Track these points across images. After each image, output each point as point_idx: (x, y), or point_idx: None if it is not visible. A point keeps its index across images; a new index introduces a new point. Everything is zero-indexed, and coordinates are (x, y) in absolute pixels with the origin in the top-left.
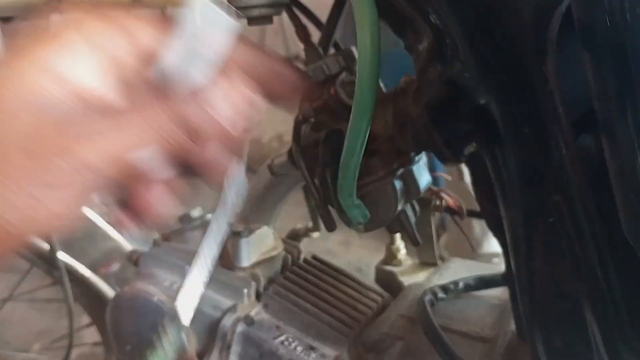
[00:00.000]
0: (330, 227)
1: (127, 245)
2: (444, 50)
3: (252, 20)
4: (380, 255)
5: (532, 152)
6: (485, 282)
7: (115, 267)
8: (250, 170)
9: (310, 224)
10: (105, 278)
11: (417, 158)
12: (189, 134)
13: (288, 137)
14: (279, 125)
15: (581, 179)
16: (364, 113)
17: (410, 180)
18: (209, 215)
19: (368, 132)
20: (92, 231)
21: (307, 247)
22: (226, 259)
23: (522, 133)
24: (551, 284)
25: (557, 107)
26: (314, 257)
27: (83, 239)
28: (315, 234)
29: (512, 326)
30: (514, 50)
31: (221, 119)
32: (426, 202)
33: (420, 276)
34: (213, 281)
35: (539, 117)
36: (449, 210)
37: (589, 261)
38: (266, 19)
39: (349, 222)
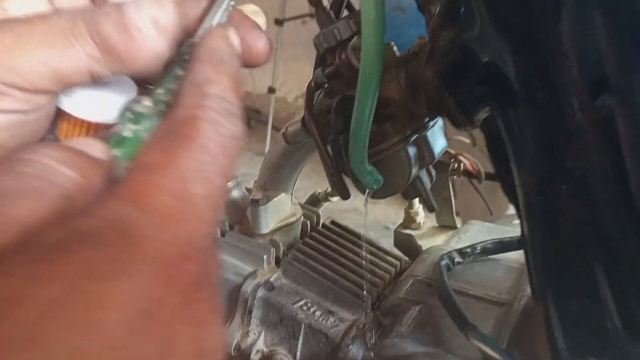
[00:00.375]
0: (345, 195)
1: None
2: (458, 13)
3: None
4: None
5: (547, 116)
6: (503, 246)
7: None
8: (276, 128)
9: (329, 189)
10: None
11: (431, 123)
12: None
13: None
14: (304, 84)
15: (598, 143)
16: (370, 81)
17: (424, 146)
18: (229, 184)
19: (376, 100)
20: None
21: (333, 206)
22: (246, 226)
23: (537, 97)
24: (564, 248)
25: (573, 68)
26: (333, 222)
27: None
28: (335, 198)
29: (529, 290)
30: (530, 9)
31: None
32: (444, 165)
33: (439, 239)
34: (234, 248)
35: (554, 80)
36: (467, 173)
37: (604, 226)
38: None
39: (363, 190)
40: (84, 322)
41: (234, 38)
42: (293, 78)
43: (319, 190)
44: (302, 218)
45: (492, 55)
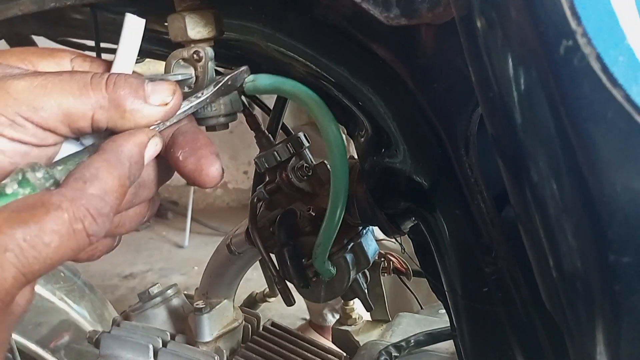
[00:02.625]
0: (289, 302)
1: (77, 317)
2: (381, 142)
3: (209, 129)
4: None
5: (464, 231)
6: (434, 337)
7: (64, 339)
8: (195, 220)
9: (266, 290)
10: (56, 350)
11: (364, 231)
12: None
13: (231, 185)
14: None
15: (507, 250)
16: (338, 201)
17: (360, 252)
18: (168, 292)
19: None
20: (43, 306)
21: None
22: (188, 335)
23: (454, 214)
24: (488, 340)
25: (482, 191)
26: (273, 324)
27: (35, 315)
28: (272, 299)
29: None
30: (444, 147)
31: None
32: (375, 264)
33: (375, 334)
34: (177, 358)
35: (468, 202)
36: (397, 271)
37: (520, 322)
38: (223, 126)
39: (307, 296)
40: None
41: (152, 147)
42: None
43: (257, 291)
44: (243, 322)
45: (414, 177)
